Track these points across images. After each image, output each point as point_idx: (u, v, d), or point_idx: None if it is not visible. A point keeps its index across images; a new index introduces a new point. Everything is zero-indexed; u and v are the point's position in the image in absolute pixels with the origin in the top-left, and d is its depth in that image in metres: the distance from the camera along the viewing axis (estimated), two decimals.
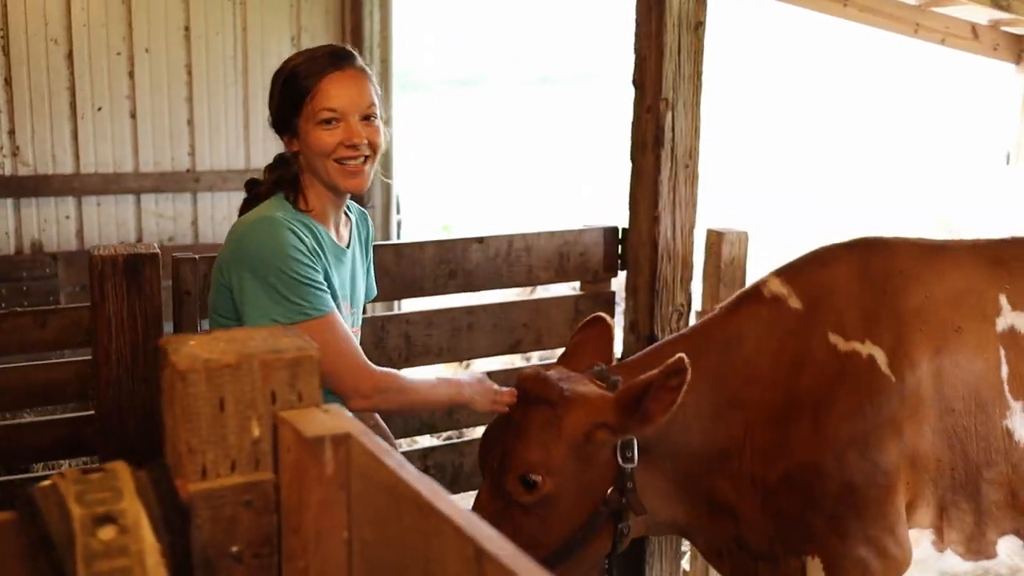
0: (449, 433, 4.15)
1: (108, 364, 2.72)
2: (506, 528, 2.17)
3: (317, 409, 1.13)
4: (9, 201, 5.50)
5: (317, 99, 2.16)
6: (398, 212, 6.29)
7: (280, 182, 2.23)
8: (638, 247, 3.51)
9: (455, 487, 3.43)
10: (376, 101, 2.23)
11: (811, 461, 2.39)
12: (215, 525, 1.04)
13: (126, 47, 5.55)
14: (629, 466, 2.27)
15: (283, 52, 5.93)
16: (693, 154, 3.43)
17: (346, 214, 2.37)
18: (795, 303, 2.52)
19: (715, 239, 3.60)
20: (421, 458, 3.34)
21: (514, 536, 2.02)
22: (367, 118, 2.20)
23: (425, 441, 4.38)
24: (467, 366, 5.70)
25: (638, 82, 3.43)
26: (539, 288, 5.91)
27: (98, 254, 2.69)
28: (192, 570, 1.00)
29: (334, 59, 2.20)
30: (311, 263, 2.10)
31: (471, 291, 3.38)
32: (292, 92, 2.18)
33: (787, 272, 2.61)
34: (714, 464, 2.46)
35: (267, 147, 6.03)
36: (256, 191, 2.26)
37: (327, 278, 2.18)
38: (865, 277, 2.52)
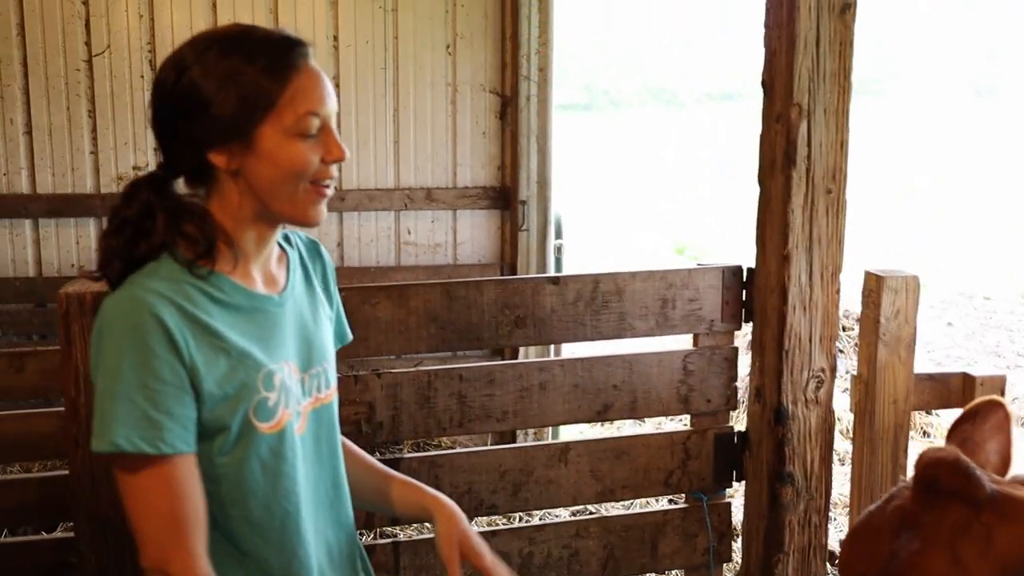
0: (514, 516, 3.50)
1: (76, 420, 2.32)
2: None
3: None
4: None
5: (299, 100, 1.55)
6: (558, 236, 5.69)
7: (171, 227, 1.55)
8: (765, 293, 2.75)
9: None
10: None
11: None
12: None
13: None
14: None
15: (437, 63, 5.53)
16: (838, 175, 2.64)
17: (281, 247, 1.74)
18: None
19: (873, 284, 2.79)
20: None
21: None
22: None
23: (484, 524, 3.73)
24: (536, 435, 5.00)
25: (767, 83, 2.68)
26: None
27: (64, 291, 2.30)
28: None
29: (298, 47, 1.58)
30: (159, 379, 1.45)
31: (543, 343, 2.76)
32: (254, 88, 1.54)
33: None
34: None
35: (418, 164, 5.63)
36: (134, 246, 1.54)
37: (224, 348, 1.52)
38: None
